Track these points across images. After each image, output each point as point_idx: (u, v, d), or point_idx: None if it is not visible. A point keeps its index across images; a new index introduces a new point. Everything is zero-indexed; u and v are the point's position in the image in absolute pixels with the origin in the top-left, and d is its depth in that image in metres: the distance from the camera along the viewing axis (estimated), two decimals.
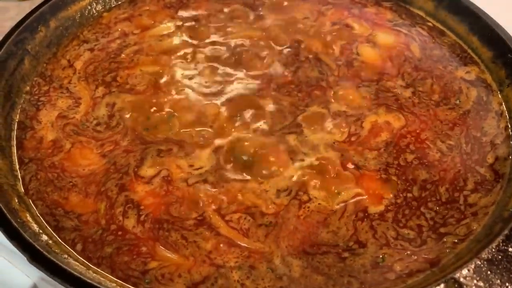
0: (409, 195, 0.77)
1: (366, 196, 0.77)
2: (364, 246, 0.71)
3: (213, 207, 0.75)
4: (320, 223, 0.74)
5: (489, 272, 0.62)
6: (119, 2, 1.16)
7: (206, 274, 0.68)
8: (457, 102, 0.92)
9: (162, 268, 0.68)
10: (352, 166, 0.81)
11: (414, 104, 0.91)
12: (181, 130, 0.86)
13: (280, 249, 0.71)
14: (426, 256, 0.70)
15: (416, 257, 0.70)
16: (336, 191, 0.77)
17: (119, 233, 0.72)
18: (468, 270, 0.62)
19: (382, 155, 0.83)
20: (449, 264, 0.67)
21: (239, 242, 0.71)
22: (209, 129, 0.86)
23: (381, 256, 0.70)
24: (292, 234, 0.72)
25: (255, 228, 0.73)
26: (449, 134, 0.86)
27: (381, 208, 0.76)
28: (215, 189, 0.77)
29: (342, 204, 0.76)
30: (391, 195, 0.77)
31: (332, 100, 0.91)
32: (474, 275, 0.61)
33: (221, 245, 0.71)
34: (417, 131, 0.86)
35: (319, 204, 0.76)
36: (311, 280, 0.68)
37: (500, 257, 0.63)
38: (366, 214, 0.75)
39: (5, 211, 0.67)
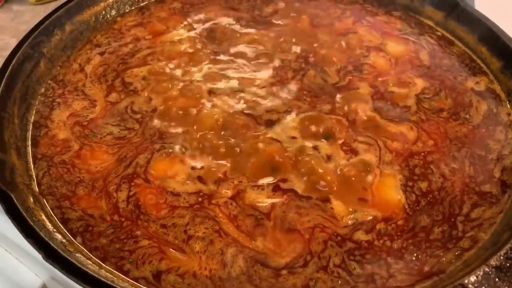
0: (388, 243, 0.73)
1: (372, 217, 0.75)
2: (305, 266, 0.69)
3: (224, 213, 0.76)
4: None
5: (497, 279, 0.62)
6: (133, 8, 1.18)
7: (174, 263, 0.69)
8: (467, 116, 0.91)
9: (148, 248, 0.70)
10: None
11: (423, 120, 0.90)
12: (195, 134, 0.87)
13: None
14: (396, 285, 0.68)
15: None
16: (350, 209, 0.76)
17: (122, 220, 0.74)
18: (477, 277, 0.62)
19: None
20: (457, 271, 0.68)
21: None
22: (223, 132, 0.87)
23: (314, 280, 0.68)
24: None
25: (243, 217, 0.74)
26: (455, 156, 0.84)
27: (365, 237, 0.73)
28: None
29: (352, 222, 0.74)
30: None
31: (340, 109, 0.92)
32: (483, 282, 0.62)
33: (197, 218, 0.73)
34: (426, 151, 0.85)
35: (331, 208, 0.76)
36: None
37: (508, 264, 0.63)
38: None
39: (21, 210, 0.68)
